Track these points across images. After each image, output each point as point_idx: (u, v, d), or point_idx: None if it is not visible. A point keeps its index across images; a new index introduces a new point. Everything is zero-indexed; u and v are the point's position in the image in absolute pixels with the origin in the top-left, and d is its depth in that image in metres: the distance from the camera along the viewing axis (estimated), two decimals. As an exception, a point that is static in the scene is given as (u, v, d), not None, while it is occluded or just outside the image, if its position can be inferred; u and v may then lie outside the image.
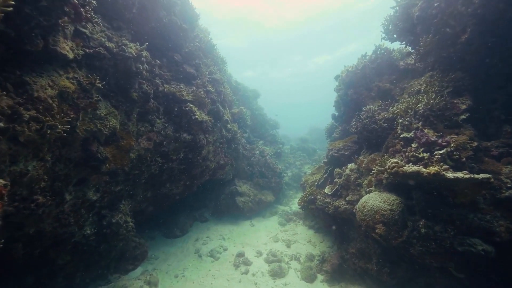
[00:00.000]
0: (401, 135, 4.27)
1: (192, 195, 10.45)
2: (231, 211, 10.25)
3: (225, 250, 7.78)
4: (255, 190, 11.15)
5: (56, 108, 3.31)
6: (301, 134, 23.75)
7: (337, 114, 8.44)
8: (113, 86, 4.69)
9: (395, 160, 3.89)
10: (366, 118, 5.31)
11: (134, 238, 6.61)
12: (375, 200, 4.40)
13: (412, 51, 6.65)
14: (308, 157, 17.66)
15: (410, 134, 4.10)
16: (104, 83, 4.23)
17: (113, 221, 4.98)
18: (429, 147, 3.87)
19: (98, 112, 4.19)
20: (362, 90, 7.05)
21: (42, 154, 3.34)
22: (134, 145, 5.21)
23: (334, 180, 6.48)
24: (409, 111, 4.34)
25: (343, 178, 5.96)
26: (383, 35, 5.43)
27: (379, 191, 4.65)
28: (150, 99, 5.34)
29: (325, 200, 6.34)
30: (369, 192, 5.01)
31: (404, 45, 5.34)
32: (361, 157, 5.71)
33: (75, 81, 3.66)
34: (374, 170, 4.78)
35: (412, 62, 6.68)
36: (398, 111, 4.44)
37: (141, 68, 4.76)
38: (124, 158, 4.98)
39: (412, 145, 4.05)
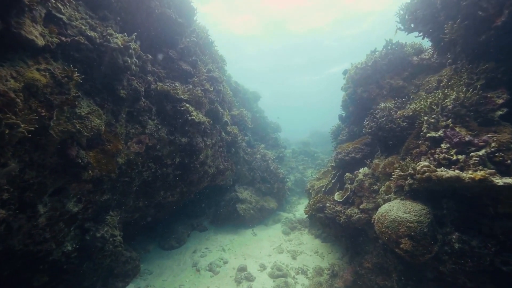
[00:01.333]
0: (427, 135, 3.70)
1: (190, 202, 9.84)
2: (232, 219, 9.62)
3: (225, 263, 7.14)
4: (257, 197, 10.54)
5: (20, 104, 2.75)
6: (303, 137, 23.17)
7: (344, 114, 7.90)
8: (97, 82, 4.14)
9: (425, 163, 3.32)
10: (382, 117, 4.76)
11: (124, 252, 5.99)
12: (398, 210, 3.81)
13: (428, 47, 6.15)
14: (311, 161, 17.08)
15: (439, 133, 3.54)
16: (84, 77, 3.68)
17: (98, 235, 4.38)
18: (463, 147, 3.30)
19: (77, 110, 3.63)
20: (372, 88, 6.51)
21: (3, 160, 2.77)
22: (122, 148, 4.64)
23: (345, 186, 5.89)
24: (435, 107, 3.79)
25: (355, 184, 5.37)
26: (399, 25, 4.91)
27: (401, 199, 4.06)
28: (140, 97, 4.79)
29: (335, 208, 5.74)
30: (388, 200, 4.42)
31: (422, 37, 4.81)
32: (375, 161, 5.14)
33: (47, 73, 3.11)
34: (394, 175, 4.20)
35: (427, 57, 6.17)
36: (421, 108, 3.89)
37: (130, 62, 4.22)
38: (111, 163, 4.41)
39: (442, 145, 3.48)
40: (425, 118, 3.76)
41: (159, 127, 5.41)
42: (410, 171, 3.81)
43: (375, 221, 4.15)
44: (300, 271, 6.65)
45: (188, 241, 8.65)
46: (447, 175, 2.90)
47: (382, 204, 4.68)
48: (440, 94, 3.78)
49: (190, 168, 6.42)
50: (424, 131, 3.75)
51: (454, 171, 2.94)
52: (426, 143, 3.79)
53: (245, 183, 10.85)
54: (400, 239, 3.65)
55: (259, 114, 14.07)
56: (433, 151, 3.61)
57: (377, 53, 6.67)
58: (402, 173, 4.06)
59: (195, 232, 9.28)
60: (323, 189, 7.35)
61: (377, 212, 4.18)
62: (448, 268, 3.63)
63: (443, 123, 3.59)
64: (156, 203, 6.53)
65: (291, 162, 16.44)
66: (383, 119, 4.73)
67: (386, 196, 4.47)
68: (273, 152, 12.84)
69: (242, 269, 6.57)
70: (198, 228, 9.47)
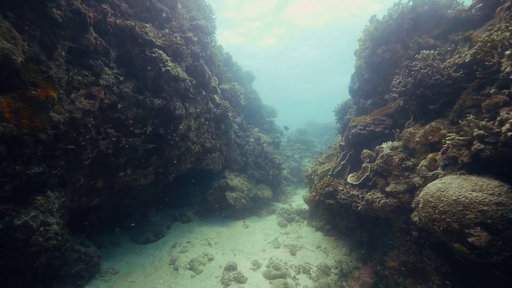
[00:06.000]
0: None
1: (172, 189, 8.48)
2: (220, 209, 8.33)
3: (211, 259, 5.87)
4: (250, 184, 9.28)
5: None
6: (299, 126, 21.98)
7: (356, 86, 6.66)
8: (11, -10, 2.69)
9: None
10: (425, 68, 3.53)
11: (77, 246, 4.61)
12: (460, 188, 2.60)
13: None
14: (308, 150, 15.91)
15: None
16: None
17: (18, 223, 2.98)
18: None
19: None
20: (396, 48, 5.27)
21: None
22: (59, 99, 3.21)
23: (363, 166, 4.67)
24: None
25: (379, 161, 4.15)
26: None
27: (460, 174, 2.85)
28: (88, 28, 3.36)
29: (350, 192, 4.52)
30: (433, 177, 3.22)
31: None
32: (409, 129, 3.92)
33: None
34: (446, 142, 2.98)
35: (466, 7, 4.95)
36: (499, 40, 2.63)
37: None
38: (38, 117, 2.99)
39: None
40: (508, 52, 2.54)
41: (121, 79, 3.99)
42: (480, 132, 2.58)
43: (420, 205, 2.93)
44: (301, 270, 5.46)
45: (167, 233, 7.31)
46: None
47: (421, 184, 3.49)
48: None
49: (166, 141, 5.04)
50: (507, 70, 2.53)
51: None
52: (506, 91, 2.57)
53: (236, 169, 9.55)
54: (468, 229, 2.44)
55: (252, 95, 12.69)
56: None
57: (401, 5, 5.41)
58: (461, 139, 2.84)
59: (177, 223, 7.95)
60: (330, 172, 6.13)
61: (423, 193, 2.96)
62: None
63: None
64: (123, 185, 5.13)
65: (287, 150, 15.24)
66: (425, 71, 3.50)
67: (430, 173, 3.26)
68: (268, 137, 11.55)
69: (231, 267, 5.31)
70: (181, 219, 8.13)
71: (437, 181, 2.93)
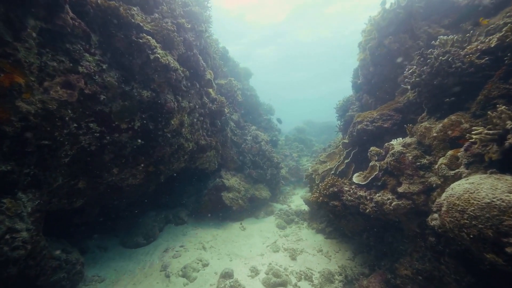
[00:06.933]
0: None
1: (166, 190, 8.05)
2: (216, 211, 7.93)
3: (205, 265, 5.46)
4: (247, 184, 8.88)
5: None
6: (297, 124, 21.64)
7: (359, 80, 6.30)
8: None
9: None
10: (444, 55, 3.18)
11: (55, 253, 4.16)
12: (493, 189, 2.25)
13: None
14: (307, 149, 15.57)
15: None
16: None
17: (-23, 231, 2.55)
18: None
19: None
20: (405, 38, 4.92)
21: None
22: (26, 86, 2.78)
23: (371, 164, 4.32)
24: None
25: (389, 159, 3.80)
26: None
27: (490, 174, 2.50)
28: (63, 5, 2.92)
29: (358, 193, 4.16)
30: (456, 177, 2.87)
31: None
32: (424, 123, 3.56)
33: None
34: (475, 137, 2.63)
35: (480, -6, 4.61)
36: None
37: None
38: (1, 107, 2.56)
39: None
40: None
41: (104, 67, 3.56)
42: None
43: (444, 209, 2.57)
44: (303, 277, 5.08)
45: (159, 236, 6.89)
46: None
47: (439, 184, 3.13)
48: None
49: (157, 138, 4.62)
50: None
51: None
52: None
53: (233, 169, 9.14)
54: (506, 238, 2.08)
55: (250, 92, 12.29)
56: None
57: (410, -7, 5.07)
58: (490, 133, 2.49)
59: (170, 225, 7.52)
60: (332, 171, 5.77)
61: (446, 194, 2.60)
62: None
63: None
64: (109, 185, 4.70)
65: (284, 149, 14.87)
66: (444, 58, 3.14)
67: (451, 172, 2.91)
68: (265, 135, 11.16)
69: (227, 275, 4.91)
70: (174, 220, 7.71)
71: (462, 181, 2.57)
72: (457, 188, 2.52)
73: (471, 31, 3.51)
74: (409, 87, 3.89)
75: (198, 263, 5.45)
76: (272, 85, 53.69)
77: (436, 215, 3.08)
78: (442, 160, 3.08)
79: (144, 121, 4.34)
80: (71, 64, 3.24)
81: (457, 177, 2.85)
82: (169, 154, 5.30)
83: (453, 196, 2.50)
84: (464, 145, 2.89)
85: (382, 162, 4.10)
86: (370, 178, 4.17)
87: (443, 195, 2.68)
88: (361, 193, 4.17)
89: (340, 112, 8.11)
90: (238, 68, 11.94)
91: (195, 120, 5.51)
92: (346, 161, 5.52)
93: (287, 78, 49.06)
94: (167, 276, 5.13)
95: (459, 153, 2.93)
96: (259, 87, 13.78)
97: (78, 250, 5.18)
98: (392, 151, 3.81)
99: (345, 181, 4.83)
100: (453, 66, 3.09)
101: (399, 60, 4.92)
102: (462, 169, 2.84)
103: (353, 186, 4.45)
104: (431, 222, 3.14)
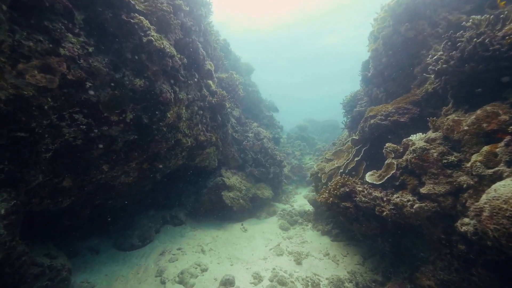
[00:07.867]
0: None
1: (163, 188, 7.65)
2: (216, 211, 7.54)
3: (204, 270, 5.07)
4: (248, 183, 8.49)
5: None
6: (299, 122, 21.22)
7: (370, 73, 5.87)
8: None
9: None
10: (478, 37, 2.76)
11: (38, 259, 3.77)
12: (553, 191, 1.84)
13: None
14: (309, 147, 15.17)
15: None
16: None
17: None
18: None
19: None
20: (423, 26, 4.51)
21: None
22: (-5, 67, 2.37)
23: (387, 162, 3.91)
24: None
25: (410, 156, 3.39)
26: None
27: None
28: (39, -26, 2.51)
29: (373, 194, 3.75)
30: (496, 177, 2.46)
31: None
32: (451, 116, 3.16)
33: None
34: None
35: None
36: None
37: None
38: (-39, 90, 2.15)
39: None
40: None
41: (90, 50, 3.15)
42: None
43: (486, 214, 2.17)
44: (310, 284, 4.70)
45: (156, 238, 6.50)
46: None
47: (471, 185, 2.73)
48: None
49: (151, 132, 4.22)
50: None
51: None
52: None
53: (233, 167, 8.75)
54: None
55: (251, 88, 11.87)
56: None
57: (427, -23, 4.65)
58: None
59: (167, 226, 7.13)
60: (341, 170, 5.37)
61: (488, 197, 2.20)
62: None
63: None
64: (99, 184, 4.30)
65: (286, 147, 14.47)
66: (479, 40, 2.74)
67: (489, 171, 2.51)
68: (267, 132, 10.76)
69: (228, 282, 4.52)
70: (171, 221, 7.32)
71: (508, 181, 2.17)
72: (502, 189, 2.12)
73: (506, 12, 3.10)
74: (432, 76, 3.49)
75: (196, 268, 5.06)
76: (272, 84, 53.24)
77: (467, 220, 2.69)
78: (476, 157, 2.68)
79: (137, 113, 3.93)
80: (51, 45, 2.83)
81: (496, 177, 2.45)
82: (166, 150, 4.90)
83: (497, 199, 2.10)
84: (504, 140, 2.49)
85: (401, 160, 3.70)
86: (386, 178, 3.77)
87: (483, 198, 2.28)
88: (377, 193, 3.77)
89: (347, 108, 7.70)
90: (239, 63, 11.52)
91: (193, 113, 5.10)
92: (356, 158, 5.12)
93: (288, 78, 48.71)
94: (163, 283, 4.74)
95: (497, 149, 2.53)
96: (260, 85, 13.35)
97: (68, 253, 4.81)
98: (413, 148, 3.41)
99: (356, 180, 4.43)
100: (490, 48, 2.69)
101: (416, 48, 4.51)
102: (502, 167, 2.44)
103: (366, 186, 4.05)
104: (461, 227, 2.75)
